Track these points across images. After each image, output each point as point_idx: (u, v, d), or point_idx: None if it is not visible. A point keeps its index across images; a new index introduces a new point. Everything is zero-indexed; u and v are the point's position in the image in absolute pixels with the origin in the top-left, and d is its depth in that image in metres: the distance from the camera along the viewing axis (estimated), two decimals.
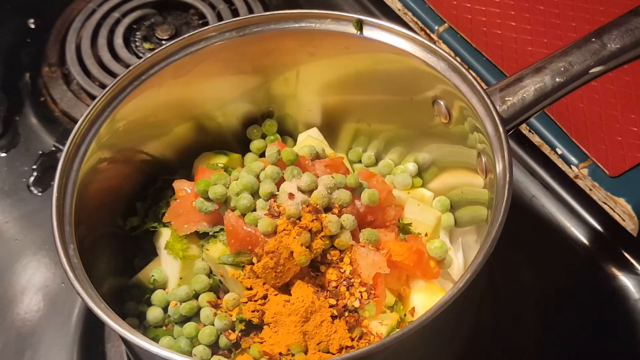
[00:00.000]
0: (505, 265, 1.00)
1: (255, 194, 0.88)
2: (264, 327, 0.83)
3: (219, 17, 1.28)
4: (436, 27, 1.18)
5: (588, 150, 1.03)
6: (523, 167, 1.09)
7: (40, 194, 1.13)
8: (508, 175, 0.78)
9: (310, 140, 0.97)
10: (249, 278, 0.85)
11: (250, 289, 0.85)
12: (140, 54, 1.26)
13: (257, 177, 0.89)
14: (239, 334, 0.85)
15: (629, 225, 1.01)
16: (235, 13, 1.29)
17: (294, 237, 0.83)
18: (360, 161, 1.02)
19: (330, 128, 1.01)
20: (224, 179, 0.90)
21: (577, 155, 1.04)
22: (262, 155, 0.99)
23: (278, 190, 0.87)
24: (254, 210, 0.87)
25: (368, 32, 0.90)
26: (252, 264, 0.84)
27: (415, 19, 1.20)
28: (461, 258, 0.93)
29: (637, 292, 0.99)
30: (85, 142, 0.86)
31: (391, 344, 0.70)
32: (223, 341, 0.86)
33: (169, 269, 0.91)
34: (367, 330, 0.83)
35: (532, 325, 0.98)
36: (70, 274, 0.77)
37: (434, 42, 1.03)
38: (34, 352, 0.99)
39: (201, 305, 0.89)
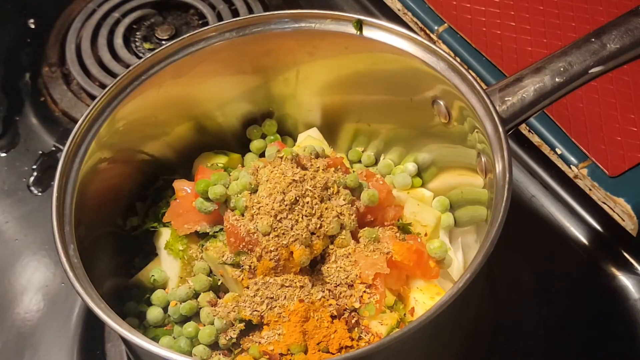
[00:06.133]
0: (505, 265, 1.00)
1: None
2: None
3: (219, 17, 1.28)
4: (436, 27, 1.18)
5: (587, 150, 1.03)
6: (523, 167, 1.09)
7: (40, 194, 1.13)
8: (508, 175, 0.78)
9: (310, 140, 0.97)
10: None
11: None
12: (140, 54, 1.26)
13: None
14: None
15: (629, 225, 1.01)
16: (235, 13, 1.29)
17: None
18: (360, 161, 1.02)
19: (330, 128, 1.01)
20: (224, 179, 0.90)
21: (577, 155, 1.04)
22: (262, 155, 0.99)
23: None
24: None
25: (368, 32, 0.90)
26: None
27: (415, 19, 1.20)
28: (461, 258, 0.93)
29: (636, 292, 0.99)
30: (85, 142, 0.86)
31: (391, 344, 0.71)
32: (223, 341, 0.86)
33: (169, 269, 0.91)
34: (367, 330, 0.83)
35: (532, 325, 0.98)
36: (70, 274, 0.77)
37: (434, 42, 1.03)
38: (34, 352, 0.99)
39: (201, 305, 0.89)
